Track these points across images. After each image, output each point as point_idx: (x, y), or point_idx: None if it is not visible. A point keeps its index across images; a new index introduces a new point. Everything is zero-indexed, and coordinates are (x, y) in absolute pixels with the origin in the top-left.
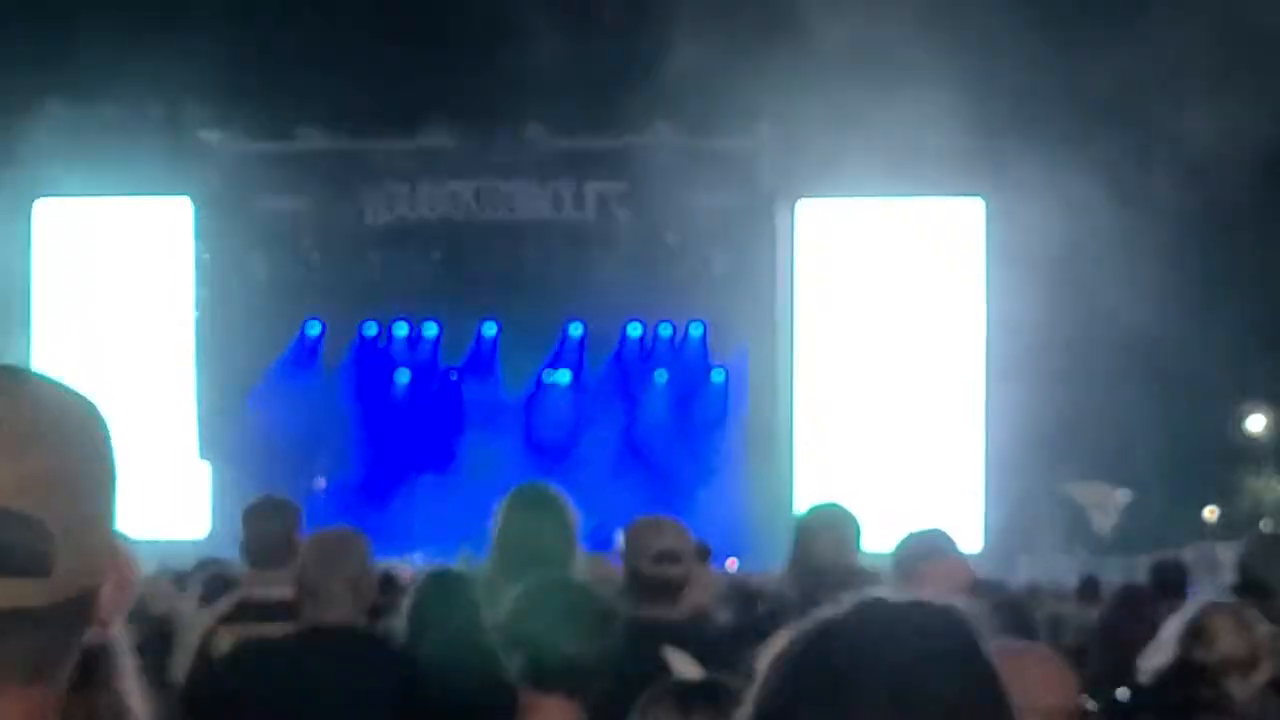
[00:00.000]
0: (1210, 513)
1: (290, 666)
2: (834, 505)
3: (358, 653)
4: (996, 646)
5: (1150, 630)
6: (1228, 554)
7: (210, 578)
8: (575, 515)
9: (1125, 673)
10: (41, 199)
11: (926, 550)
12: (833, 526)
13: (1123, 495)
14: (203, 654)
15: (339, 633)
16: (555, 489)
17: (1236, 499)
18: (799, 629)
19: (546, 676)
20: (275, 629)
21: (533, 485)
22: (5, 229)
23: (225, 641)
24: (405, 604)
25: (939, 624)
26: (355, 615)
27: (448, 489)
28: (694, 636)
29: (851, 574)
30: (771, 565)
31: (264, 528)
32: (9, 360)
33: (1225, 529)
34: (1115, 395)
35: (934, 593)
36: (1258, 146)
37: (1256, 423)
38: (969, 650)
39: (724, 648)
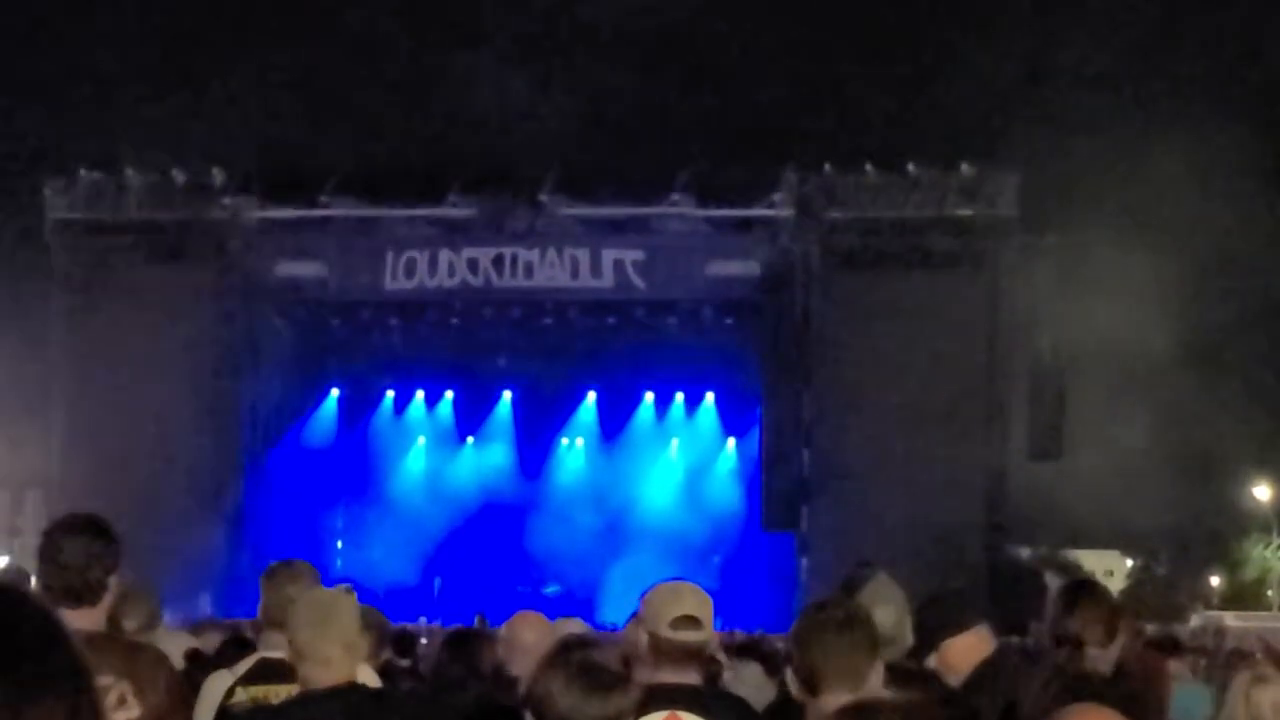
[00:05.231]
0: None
1: None
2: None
3: (351, 713)
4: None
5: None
6: (1234, 622)
7: (228, 637)
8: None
9: None
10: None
11: (948, 622)
12: (890, 599)
13: (1129, 563)
14: (223, 713)
15: (333, 694)
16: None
17: (1242, 568)
18: None
19: None
20: (291, 690)
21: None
22: (37, 300)
23: (242, 701)
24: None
25: None
26: (349, 675)
27: (465, 554)
28: (710, 701)
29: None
30: (781, 629)
31: (283, 590)
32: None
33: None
34: (1123, 462)
35: (957, 665)
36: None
37: (1262, 492)
38: None
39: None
